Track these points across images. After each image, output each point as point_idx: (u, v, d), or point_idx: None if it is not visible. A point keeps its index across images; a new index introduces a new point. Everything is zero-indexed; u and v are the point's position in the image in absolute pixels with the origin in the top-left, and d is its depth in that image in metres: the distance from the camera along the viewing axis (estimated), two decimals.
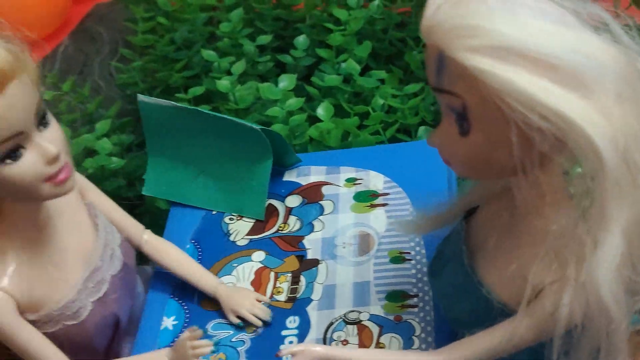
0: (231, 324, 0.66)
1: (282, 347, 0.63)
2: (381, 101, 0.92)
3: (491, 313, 0.51)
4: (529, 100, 0.41)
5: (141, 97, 0.75)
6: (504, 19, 0.42)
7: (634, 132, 0.42)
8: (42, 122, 0.55)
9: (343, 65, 0.97)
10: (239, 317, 0.67)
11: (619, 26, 0.44)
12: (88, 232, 0.64)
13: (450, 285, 0.55)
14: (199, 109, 0.74)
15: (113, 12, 1.33)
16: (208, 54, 1.01)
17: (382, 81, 0.95)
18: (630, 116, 0.42)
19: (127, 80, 1.07)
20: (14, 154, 0.53)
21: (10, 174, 0.53)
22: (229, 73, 0.99)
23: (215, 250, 0.73)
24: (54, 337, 0.61)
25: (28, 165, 0.54)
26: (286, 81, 0.94)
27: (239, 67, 0.98)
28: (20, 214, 0.59)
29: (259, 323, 0.66)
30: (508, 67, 0.41)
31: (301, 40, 1.02)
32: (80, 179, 0.66)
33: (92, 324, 0.63)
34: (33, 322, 0.60)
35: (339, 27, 1.00)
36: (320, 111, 0.90)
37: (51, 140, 0.55)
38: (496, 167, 0.46)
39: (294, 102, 0.91)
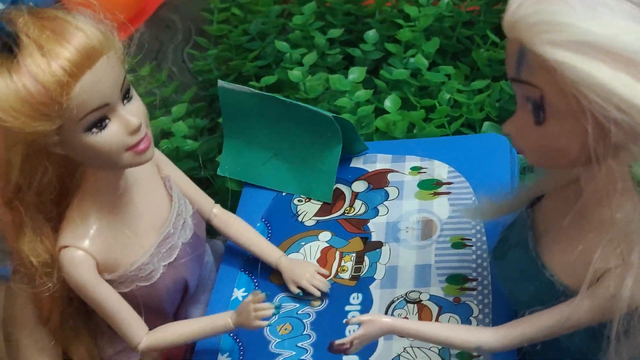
0: (297, 297, 0.70)
1: (345, 320, 0.66)
2: (447, 96, 0.94)
3: (553, 295, 0.54)
4: (608, 93, 0.44)
5: (221, 83, 0.79)
6: (585, 16, 0.45)
7: None
8: (126, 96, 0.59)
9: (411, 60, 1.00)
10: (299, 287, 0.70)
11: None
12: (162, 202, 0.69)
13: (514, 269, 0.58)
14: (276, 96, 0.78)
15: (187, 3, 1.38)
16: (281, 44, 1.05)
17: (449, 77, 0.98)
18: None
19: (202, 68, 1.12)
20: (100, 123, 0.58)
21: (95, 142, 0.58)
22: (299, 64, 1.03)
23: (284, 229, 0.76)
24: (127, 297, 0.65)
25: (112, 134, 0.58)
26: (356, 73, 0.98)
27: (311, 58, 1.02)
28: (102, 181, 0.63)
29: (318, 293, 0.70)
30: (588, 61, 0.44)
31: (371, 34, 1.06)
32: (157, 154, 0.71)
33: (163, 287, 0.67)
34: (109, 282, 0.64)
35: (408, 23, 1.03)
36: (388, 103, 0.94)
37: (134, 112, 0.59)
38: (568, 156, 0.49)
39: (362, 93, 0.95)
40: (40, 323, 0.68)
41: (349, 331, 0.65)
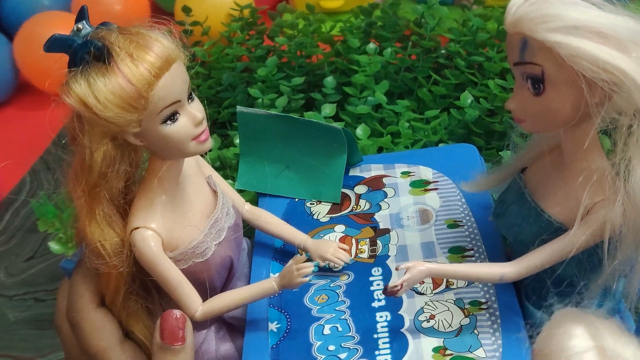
0: (324, 270, 0.84)
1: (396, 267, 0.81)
2: (407, 124, 1.13)
3: (552, 232, 0.71)
4: (594, 59, 0.63)
5: (239, 108, 0.93)
6: (571, 8, 0.64)
7: None
8: (190, 97, 0.74)
9: (369, 98, 1.18)
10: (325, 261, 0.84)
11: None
12: (208, 194, 0.82)
13: (516, 218, 0.75)
14: (288, 115, 0.93)
15: None
16: (254, 91, 1.21)
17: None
18: None
19: None
20: (173, 117, 0.72)
21: (169, 132, 0.72)
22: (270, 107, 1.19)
23: (303, 226, 0.89)
24: (185, 274, 0.77)
25: (182, 126, 0.72)
26: (328, 109, 1.15)
27: (282, 101, 1.19)
28: (166, 171, 0.75)
29: (341, 264, 0.83)
30: (578, 39, 0.63)
31: (329, 80, 1.24)
32: (199, 159, 0.84)
33: (213, 263, 0.79)
34: (170, 259, 0.76)
35: (360, 68, 1.22)
36: (359, 131, 1.11)
37: (197, 109, 0.74)
38: (562, 117, 0.67)
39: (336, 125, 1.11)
40: (97, 307, 0.79)
41: (377, 295, 0.80)
